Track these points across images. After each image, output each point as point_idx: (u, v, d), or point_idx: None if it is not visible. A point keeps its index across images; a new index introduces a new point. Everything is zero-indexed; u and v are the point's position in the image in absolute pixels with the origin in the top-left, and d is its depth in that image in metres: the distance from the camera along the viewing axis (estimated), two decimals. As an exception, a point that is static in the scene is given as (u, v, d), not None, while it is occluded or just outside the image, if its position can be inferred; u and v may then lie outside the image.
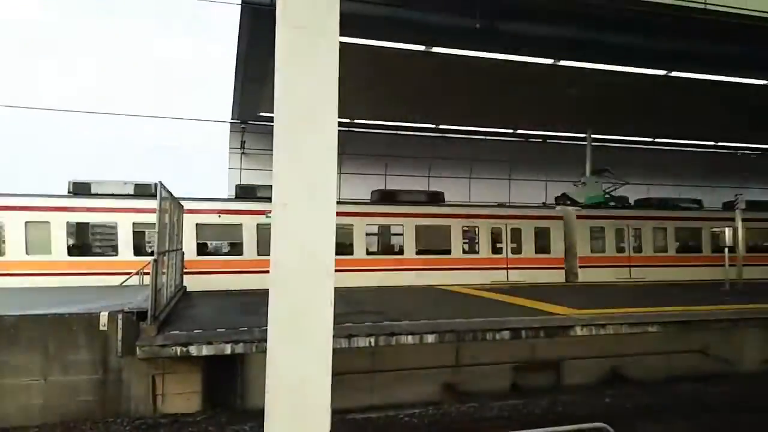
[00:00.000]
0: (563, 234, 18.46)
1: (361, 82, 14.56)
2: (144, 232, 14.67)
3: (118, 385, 8.16)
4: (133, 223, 14.61)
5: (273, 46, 3.89)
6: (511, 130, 21.13)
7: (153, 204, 13.29)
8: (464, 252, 17.55)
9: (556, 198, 21.00)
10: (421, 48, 10.07)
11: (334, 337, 7.74)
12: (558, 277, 18.42)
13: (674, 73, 12.91)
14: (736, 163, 25.87)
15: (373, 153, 21.79)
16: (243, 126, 19.85)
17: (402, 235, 16.92)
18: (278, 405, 3.91)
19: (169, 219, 10.23)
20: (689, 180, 26.85)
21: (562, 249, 18.48)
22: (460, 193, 23.50)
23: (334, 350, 7.77)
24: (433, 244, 17.18)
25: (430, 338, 8.23)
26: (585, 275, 18.40)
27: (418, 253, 16.87)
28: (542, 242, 18.29)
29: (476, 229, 17.72)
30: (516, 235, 18.00)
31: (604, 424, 5.49)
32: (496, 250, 17.77)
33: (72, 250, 14.38)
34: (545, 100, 16.70)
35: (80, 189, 14.82)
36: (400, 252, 17.00)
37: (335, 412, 8.06)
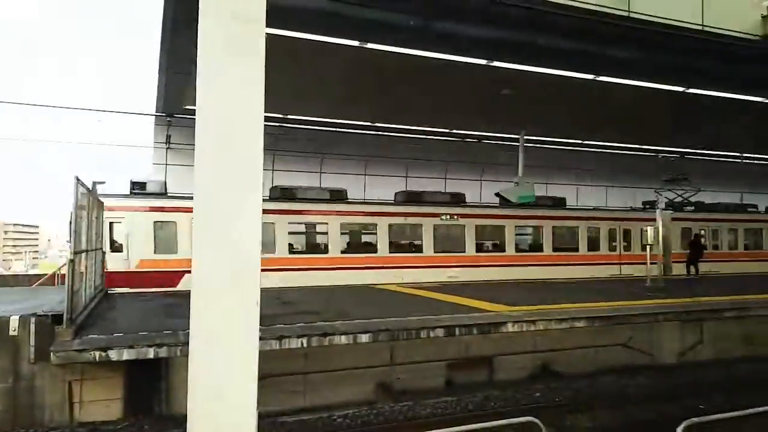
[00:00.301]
0: (661, 234, 21.41)
1: (296, 78, 14.40)
2: (349, 231, 18.24)
3: (30, 394, 7.73)
4: (341, 224, 17.70)
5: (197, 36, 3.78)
6: (447, 130, 21.51)
7: (350, 207, 18.10)
8: (588, 249, 21.07)
9: (644, 203, 24.62)
10: (356, 43, 10.06)
11: (263, 338, 7.67)
12: (657, 270, 21.19)
13: (601, 78, 13.56)
14: (655, 165, 27.44)
15: (307, 150, 21.65)
16: (169, 120, 19.15)
17: (540, 235, 20.39)
18: (201, 410, 3.80)
19: (87, 216, 9.75)
20: (614, 181, 28.35)
21: (661, 247, 21.18)
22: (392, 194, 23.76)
23: (265, 352, 7.69)
24: (564, 242, 20.75)
25: (363, 338, 8.25)
26: (677, 269, 21.70)
27: (554, 250, 20.33)
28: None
29: (598, 229, 21.34)
30: (627, 235, 21.77)
31: (533, 418, 5.67)
32: (611, 248, 21.47)
33: (292, 249, 17.21)
34: (480, 100, 17.12)
35: (287, 194, 17.48)
36: (540, 249, 20.39)
37: (266, 416, 7.98)
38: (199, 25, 3.77)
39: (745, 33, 12.26)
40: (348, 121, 20.18)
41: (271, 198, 17.40)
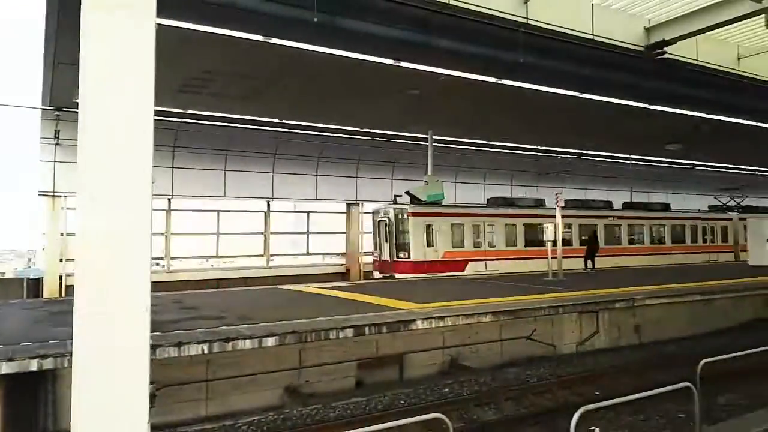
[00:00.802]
0: (732, 230, 31.01)
1: (197, 72, 13.90)
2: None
3: None
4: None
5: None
6: (357, 128, 21.58)
7: (544, 212, 23.15)
8: (690, 242, 29.47)
9: (710, 206, 32.32)
10: (259, 38, 9.84)
11: (159, 346, 7.34)
12: (730, 257, 30.59)
13: (504, 81, 14.15)
14: (558, 165, 29.21)
15: (210, 147, 20.97)
16: (57, 114, 17.79)
17: (663, 231, 28.74)
18: (87, 424, 3.58)
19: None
20: (522, 180, 29.81)
21: (732, 239, 30.83)
22: (303, 192, 23.62)
23: (162, 360, 7.35)
24: (677, 237, 29.10)
25: (270, 341, 8.09)
26: (743, 257, 28.37)
27: (672, 242, 28.70)
28: (723, 236, 30.81)
29: (697, 227, 29.61)
30: (712, 231, 30.32)
31: (441, 415, 5.79)
32: (704, 240, 29.90)
33: (526, 243, 23.22)
34: (389, 100, 17.33)
35: (506, 201, 24.38)
36: (661, 242, 28.67)
37: (164, 427, 7.64)
38: (82, 11, 3.56)
39: (630, 43, 13.29)
40: (255, 118, 19.61)
41: (490, 204, 24.16)
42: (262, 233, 23.62)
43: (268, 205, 23.62)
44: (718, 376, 10.57)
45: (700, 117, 17.81)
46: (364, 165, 24.59)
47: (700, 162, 32.71)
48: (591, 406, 6.18)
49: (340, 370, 9.98)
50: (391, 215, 21.08)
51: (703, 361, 8.47)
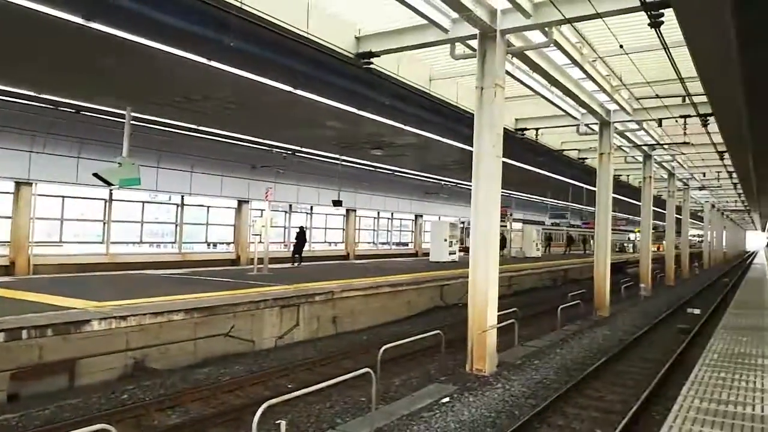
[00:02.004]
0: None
1: None
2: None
3: None
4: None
5: None
6: (34, 94, 18.54)
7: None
8: None
9: None
10: None
11: None
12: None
13: (213, 63, 13.86)
14: (272, 159, 30.00)
15: None
16: None
17: None
18: None
19: None
20: (235, 171, 29.84)
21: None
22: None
23: None
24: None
25: None
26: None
27: None
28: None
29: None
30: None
31: (106, 425, 5.49)
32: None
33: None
34: (77, 66, 15.42)
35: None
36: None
37: None
38: None
39: (342, 49, 14.36)
40: None
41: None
42: None
43: None
44: (397, 358, 12.36)
45: (401, 128, 20.20)
46: (42, 138, 21.38)
47: (401, 168, 36.93)
48: (274, 401, 6.56)
49: (-15, 384, 8.55)
50: None
51: (383, 348, 9.78)
